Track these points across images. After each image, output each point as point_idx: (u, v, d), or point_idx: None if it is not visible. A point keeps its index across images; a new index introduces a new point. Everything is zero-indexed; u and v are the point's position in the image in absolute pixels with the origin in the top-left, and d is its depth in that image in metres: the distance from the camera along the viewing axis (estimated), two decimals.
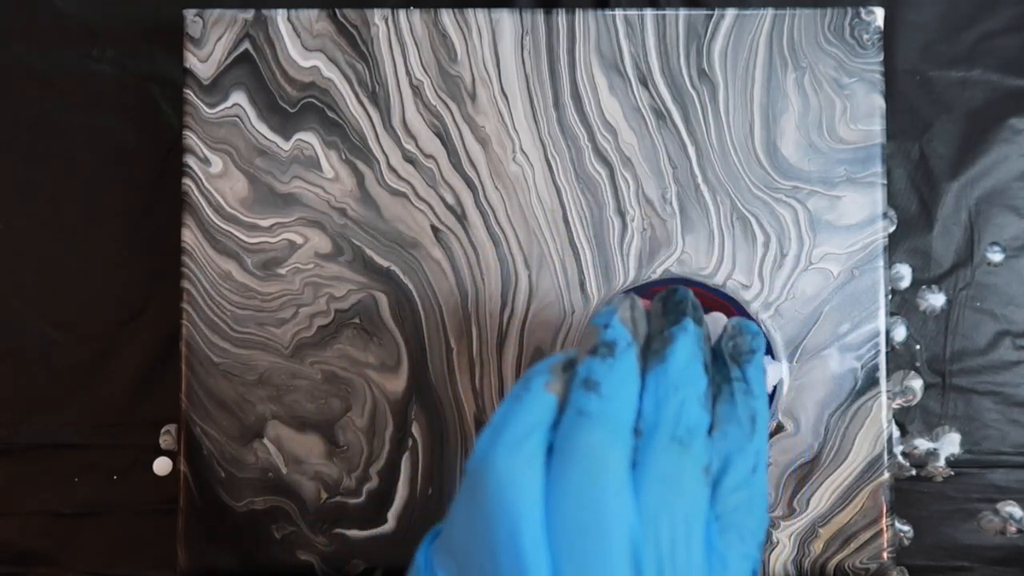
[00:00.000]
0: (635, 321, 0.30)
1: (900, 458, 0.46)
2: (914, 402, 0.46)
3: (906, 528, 0.46)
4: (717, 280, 0.44)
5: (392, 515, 0.44)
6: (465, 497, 0.27)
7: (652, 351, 0.29)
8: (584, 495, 0.26)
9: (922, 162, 0.47)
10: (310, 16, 0.44)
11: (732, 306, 0.43)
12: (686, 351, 0.29)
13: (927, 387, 0.46)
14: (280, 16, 0.44)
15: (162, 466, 0.47)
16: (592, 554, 0.26)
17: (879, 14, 0.44)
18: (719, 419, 0.29)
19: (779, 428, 0.43)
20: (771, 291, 0.43)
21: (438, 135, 0.44)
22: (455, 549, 0.27)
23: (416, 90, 0.44)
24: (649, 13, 0.44)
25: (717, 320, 0.36)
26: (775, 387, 0.43)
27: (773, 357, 0.43)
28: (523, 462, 0.26)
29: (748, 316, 0.43)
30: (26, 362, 0.47)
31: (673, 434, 0.27)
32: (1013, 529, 0.46)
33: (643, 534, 0.26)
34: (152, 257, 0.47)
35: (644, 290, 0.43)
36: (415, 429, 0.44)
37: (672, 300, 0.31)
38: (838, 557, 0.43)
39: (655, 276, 0.44)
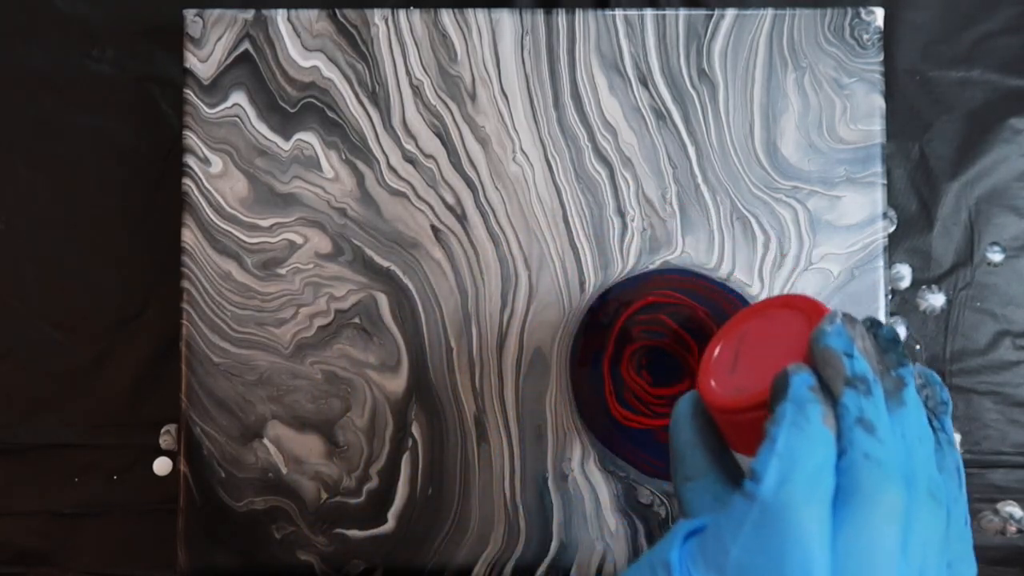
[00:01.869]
0: (867, 351, 0.29)
1: None
2: None
3: None
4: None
5: (392, 515, 0.44)
6: (753, 523, 0.26)
7: (886, 391, 0.28)
8: (875, 549, 0.26)
9: (922, 162, 0.47)
10: (310, 16, 0.44)
11: (737, 300, 0.43)
12: (918, 400, 0.29)
13: None
14: (280, 16, 0.44)
15: (162, 466, 0.47)
16: None
17: (879, 14, 0.44)
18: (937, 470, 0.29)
19: None
20: (771, 291, 0.43)
21: (438, 135, 0.44)
22: (728, 568, 0.26)
23: (416, 90, 0.44)
24: (649, 13, 0.44)
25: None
26: None
27: None
28: (819, 505, 0.26)
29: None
30: (26, 362, 0.47)
31: (929, 490, 0.27)
32: (1013, 529, 0.46)
33: None
34: (152, 257, 0.47)
35: (643, 278, 0.43)
36: (415, 429, 0.44)
37: (886, 337, 0.30)
38: None
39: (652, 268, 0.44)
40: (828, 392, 0.27)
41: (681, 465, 0.32)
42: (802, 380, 0.27)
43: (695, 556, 0.27)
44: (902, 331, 0.46)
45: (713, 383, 0.32)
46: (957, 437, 0.46)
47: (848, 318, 0.29)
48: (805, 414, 0.27)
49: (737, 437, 0.32)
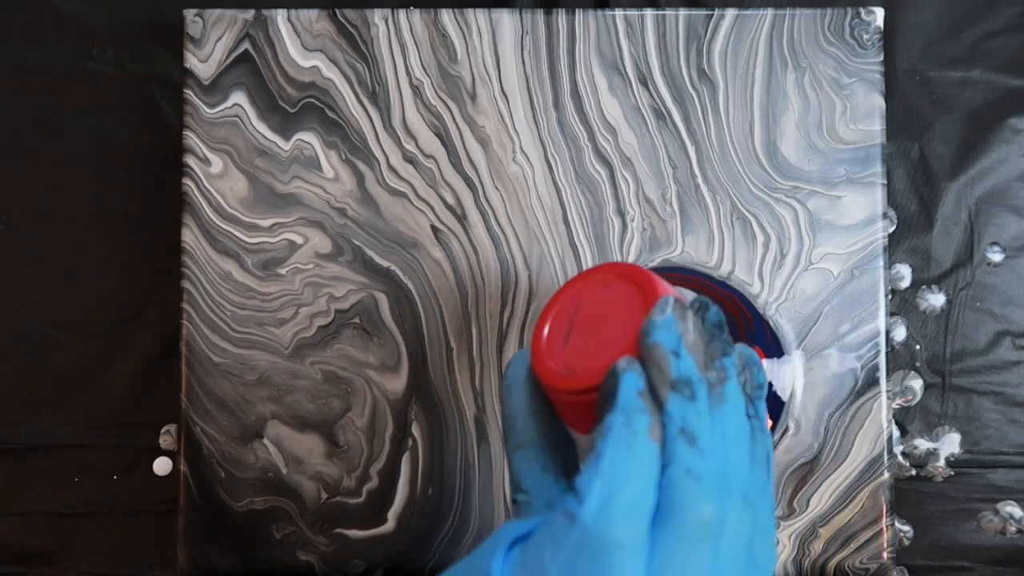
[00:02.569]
0: (695, 345, 0.29)
1: (900, 458, 0.46)
2: (914, 402, 0.46)
3: (906, 528, 0.46)
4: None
5: (392, 515, 0.44)
6: (572, 546, 0.26)
7: (709, 385, 0.29)
8: (690, 569, 0.26)
9: (922, 162, 0.47)
10: (310, 16, 0.44)
11: (739, 300, 0.43)
12: (738, 392, 0.29)
13: (927, 387, 0.46)
14: (280, 16, 0.44)
15: (162, 466, 0.47)
16: None
17: (879, 14, 0.44)
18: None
19: (785, 429, 0.43)
20: (771, 291, 0.43)
21: (438, 135, 0.44)
22: None
23: (416, 90, 0.44)
24: (649, 13, 0.44)
25: (685, 296, 0.34)
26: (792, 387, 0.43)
27: (784, 352, 0.43)
28: (638, 527, 0.26)
29: (755, 311, 0.43)
30: (26, 362, 0.47)
31: (743, 494, 0.28)
32: (1013, 529, 0.46)
33: None
34: (152, 257, 0.47)
35: None
36: (415, 429, 0.44)
37: (711, 323, 0.30)
38: (838, 557, 0.43)
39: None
40: (655, 395, 0.27)
41: (512, 432, 0.32)
42: (631, 383, 0.27)
43: (516, 569, 0.27)
44: (902, 331, 0.46)
45: (545, 355, 0.31)
46: (955, 436, 0.46)
47: (678, 306, 0.29)
48: (632, 428, 0.27)
49: (566, 413, 0.32)
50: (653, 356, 0.28)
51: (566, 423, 0.32)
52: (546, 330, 0.32)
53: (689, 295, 0.35)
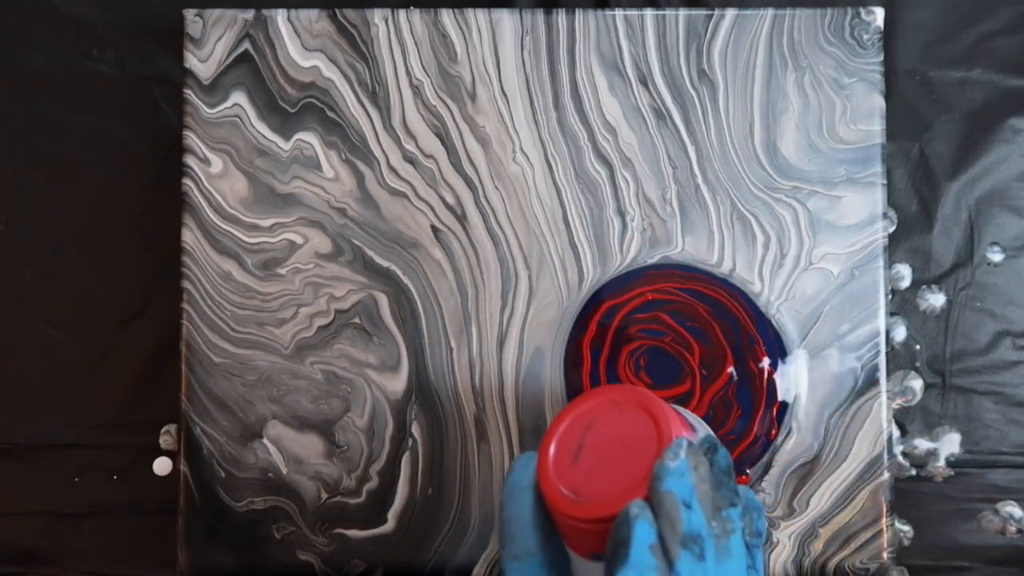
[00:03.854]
0: (704, 494, 0.29)
1: (900, 458, 0.46)
2: (914, 402, 0.46)
3: (906, 528, 0.46)
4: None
5: (392, 515, 0.44)
6: None
7: (715, 537, 0.29)
8: None
9: (922, 162, 0.47)
10: (310, 16, 0.44)
11: (740, 296, 0.43)
12: (742, 547, 0.29)
13: (927, 387, 0.46)
14: (280, 16, 0.44)
15: (162, 466, 0.47)
16: None
17: (879, 14, 0.44)
18: None
19: (788, 431, 0.43)
20: (771, 291, 0.43)
21: (438, 135, 0.44)
22: None
23: (416, 90, 0.44)
24: (649, 13, 0.44)
25: (694, 426, 0.35)
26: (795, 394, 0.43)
27: (787, 352, 0.43)
28: None
29: (758, 310, 0.43)
30: (26, 362, 0.47)
31: None
32: (1013, 529, 0.46)
33: None
34: (152, 257, 0.47)
35: (639, 274, 0.43)
36: (415, 429, 0.44)
37: (721, 467, 0.30)
38: (838, 557, 0.43)
39: (651, 262, 0.44)
40: (664, 547, 0.28)
41: (510, 541, 0.31)
42: (643, 536, 0.28)
43: None
44: (902, 331, 0.46)
45: (553, 474, 0.32)
46: (955, 436, 0.46)
47: (691, 451, 0.29)
48: None
49: (567, 533, 0.32)
50: (665, 507, 0.28)
51: (566, 542, 0.32)
52: (553, 446, 0.32)
53: (698, 425, 0.35)
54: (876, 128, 0.44)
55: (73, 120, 0.48)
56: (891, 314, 0.46)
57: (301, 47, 0.44)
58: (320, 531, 0.44)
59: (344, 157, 0.44)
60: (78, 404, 0.47)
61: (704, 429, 0.35)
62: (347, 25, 0.44)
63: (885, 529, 0.43)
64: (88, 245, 0.47)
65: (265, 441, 0.44)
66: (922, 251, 0.47)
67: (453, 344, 0.44)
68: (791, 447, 0.43)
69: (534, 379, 0.43)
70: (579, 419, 0.33)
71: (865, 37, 0.44)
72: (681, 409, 0.34)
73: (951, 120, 0.47)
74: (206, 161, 0.44)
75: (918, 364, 0.46)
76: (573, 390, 0.43)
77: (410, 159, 0.44)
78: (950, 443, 0.46)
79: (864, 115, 0.44)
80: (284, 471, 0.44)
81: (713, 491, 0.30)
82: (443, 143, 0.44)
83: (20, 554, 0.46)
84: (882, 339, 0.43)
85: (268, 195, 0.44)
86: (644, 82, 0.44)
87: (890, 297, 0.46)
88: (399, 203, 0.44)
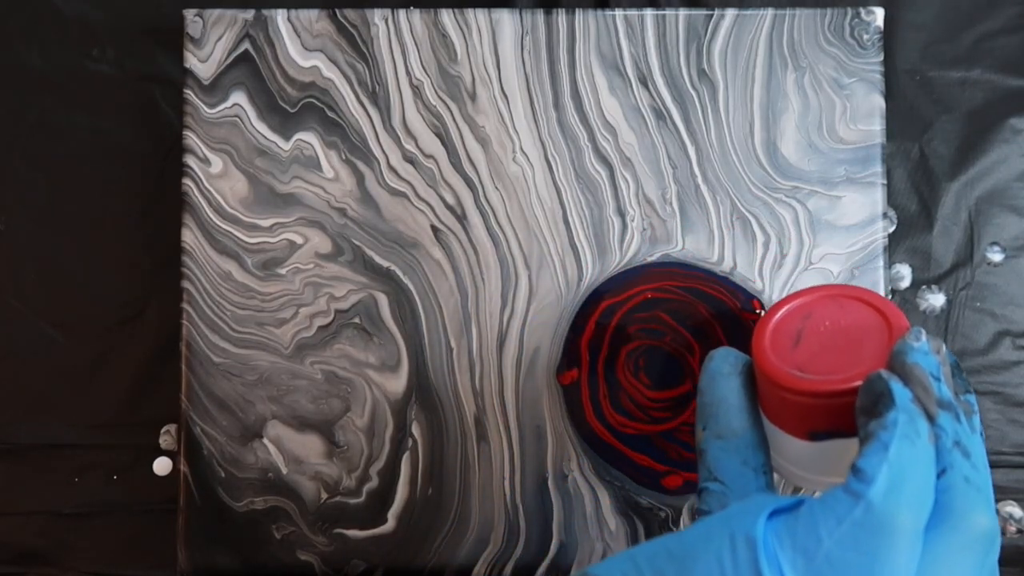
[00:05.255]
0: (946, 377, 0.30)
1: None
2: None
3: None
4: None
5: (392, 515, 0.44)
6: (853, 522, 0.26)
7: (957, 416, 0.29)
8: (960, 573, 0.27)
9: (922, 162, 0.47)
10: (310, 16, 0.44)
11: (742, 295, 0.43)
12: (980, 425, 0.30)
13: None
14: (280, 16, 0.44)
15: (162, 466, 0.47)
16: None
17: (879, 14, 0.44)
18: None
19: None
20: (771, 291, 0.43)
21: (438, 135, 0.44)
22: (818, 557, 0.27)
23: (416, 90, 0.44)
24: (649, 13, 0.44)
25: None
26: None
27: None
28: (919, 519, 0.27)
29: (754, 305, 0.43)
30: (26, 362, 0.47)
31: (996, 521, 0.28)
32: (1013, 529, 0.46)
33: None
34: (152, 257, 0.47)
35: (640, 271, 0.43)
36: (415, 429, 0.44)
37: (952, 361, 0.31)
38: None
39: (652, 259, 0.44)
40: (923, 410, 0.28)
41: (713, 422, 0.32)
42: (905, 392, 0.28)
43: (782, 537, 0.27)
44: None
45: (772, 355, 0.32)
46: None
47: (932, 337, 0.30)
48: (916, 428, 0.27)
49: (778, 409, 0.32)
50: (915, 375, 0.29)
51: (779, 423, 0.32)
52: (773, 324, 0.33)
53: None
54: (876, 128, 0.44)
55: (73, 120, 0.48)
56: None
57: (301, 47, 0.44)
58: (320, 531, 0.44)
59: (344, 157, 0.44)
60: (78, 404, 0.47)
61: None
62: (347, 25, 0.44)
63: None
64: (88, 245, 0.47)
65: (265, 441, 0.44)
66: (922, 251, 0.47)
67: (453, 344, 0.44)
68: None
69: (534, 379, 0.43)
70: (796, 310, 0.33)
71: (865, 37, 0.44)
72: None
73: (951, 120, 0.47)
74: (206, 161, 0.44)
75: None
76: (568, 393, 0.43)
77: (410, 159, 0.44)
78: None
79: (864, 115, 0.44)
80: (284, 471, 0.44)
81: (949, 378, 0.30)
82: (443, 143, 0.44)
83: (20, 554, 0.46)
84: None
85: (268, 195, 0.44)
86: (644, 82, 0.44)
87: (890, 297, 0.46)
88: (399, 203, 0.44)
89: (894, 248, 0.47)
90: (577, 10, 0.44)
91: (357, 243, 0.44)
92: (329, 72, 0.44)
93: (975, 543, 0.27)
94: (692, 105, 0.44)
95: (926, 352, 0.29)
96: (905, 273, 0.47)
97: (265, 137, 0.44)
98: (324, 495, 0.44)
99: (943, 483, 0.27)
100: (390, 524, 0.44)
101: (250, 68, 0.44)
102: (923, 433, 0.27)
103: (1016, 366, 0.46)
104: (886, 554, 0.26)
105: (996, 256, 0.47)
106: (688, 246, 0.44)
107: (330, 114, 0.44)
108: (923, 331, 0.30)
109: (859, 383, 0.29)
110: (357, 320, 0.44)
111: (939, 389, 0.28)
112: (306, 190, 0.44)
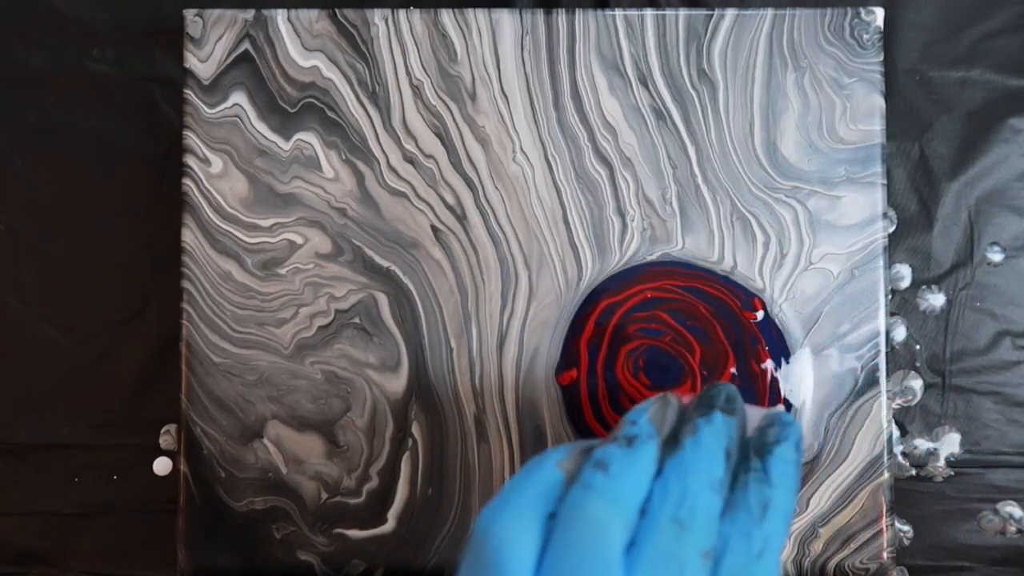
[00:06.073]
0: (664, 419, 0.31)
1: (900, 458, 0.46)
2: (914, 402, 0.46)
3: (906, 528, 0.46)
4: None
5: (392, 515, 0.44)
6: (468, 560, 0.28)
7: (674, 440, 0.30)
8: (576, 565, 0.27)
9: (922, 162, 0.47)
10: (310, 16, 0.44)
11: (742, 294, 0.43)
12: (706, 439, 0.30)
13: (927, 387, 0.46)
14: (280, 16, 0.44)
15: (162, 466, 0.47)
16: None
17: (879, 14, 0.44)
18: (730, 505, 0.29)
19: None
20: (771, 291, 0.43)
21: (438, 135, 0.44)
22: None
23: (416, 90, 0.44)
24: (649, 13, 0.44)
25: (754, 414, 0.35)
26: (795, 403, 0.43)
27: (791, 352, 0.43)
28: (522, 528, 0.27)
29: (754, 304, 0.43)
30: (26, 362, 0.47)
31: (674, 515, 0.28)
32: (1013, 529, 0.46)
33: None
34: (152, 257, 0.47)
35: (639, 271, 0.43)
36: (415, 429, 0.44)
37: (706, 394, 0.32)
38: (838, 557, 0.43)
39: (651, 258, 0.44)
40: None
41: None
42: (574, 444, 0.30)
43: None
44: (902, 331, 0.46)
45: None
46: (955, 436, 0.46)
47: (664, 396, 0.32)
48: (540, 461, 0.30)
49: None
50: (617, 426, 0.31)
51: None
52: None
53: (757, 413, 0.35)
54: (876, 128, 0.44)
55: (73, 120, 0.48)
56: (891, 314, 0.46)
57: (301, 47, 0.44)
58: (320, 531, 0.44)
59: (344, 157, 0.44)
60: (78, 404, 0.47)
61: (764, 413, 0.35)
62: (347, 25, 0.44)
63: (885, 529, 0.43)
64: (88, 245, 0.47)
65: (265, 441, 0.44)
66: (922, 251, 0.47)
67: (453, 344, 0.44)
68: None
69: (534, 379, 0.43)
70: None
71: (865, 37, 0.44)
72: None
73: (951, 120, 0.47)
74: (206, 161, 0.44)
75: (918, 364, 0.46)
76: (567, 394, 0.43)
77: (410, 159, 0.44)
78: (950, 443, 0.46)
79: (864, 115, 0.44)
80: (284, 471, 0.44)
81: (688, 412, 0.32)
82: (443, 143, 0.44)
83: (20, 554, 0.46)
84: (882, 339, 0.43)
85: (268, 195, 0.44)
86: (644, 82, 0.44)
87: (890, 297, 0.46)
88: (399, 203, 0.44)
89: (894, 248, 0.47)
90: (577, 10, 0.44)
91: (357, 243, 0.44)
92: (329, 72, 0.44)
93: (590, 536, 0.28)
94: (692, 105, 0.44)
95: (643, 408, 0.31)
96: (905, 273, 0.47)
97: (265, 137, 0.44)
98: (324, 495, 0.44)
99: (566, 496, 0.29)
100: (390, 524, 0.44)
101: (250, 68, 0.44)
102: (546, 463, 0.29)
103: (1016, 366, 0.46)
104: (489, 572, 0.28)
105: (996, 256, 0.47)
106: (688, 246, 0.44)
107: (330, 114, 0.44)
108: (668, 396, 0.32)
109: None
110: (357, 320, 0.44)
111: (627, 428, 0.30)
112: (306, 190, 0.44)
